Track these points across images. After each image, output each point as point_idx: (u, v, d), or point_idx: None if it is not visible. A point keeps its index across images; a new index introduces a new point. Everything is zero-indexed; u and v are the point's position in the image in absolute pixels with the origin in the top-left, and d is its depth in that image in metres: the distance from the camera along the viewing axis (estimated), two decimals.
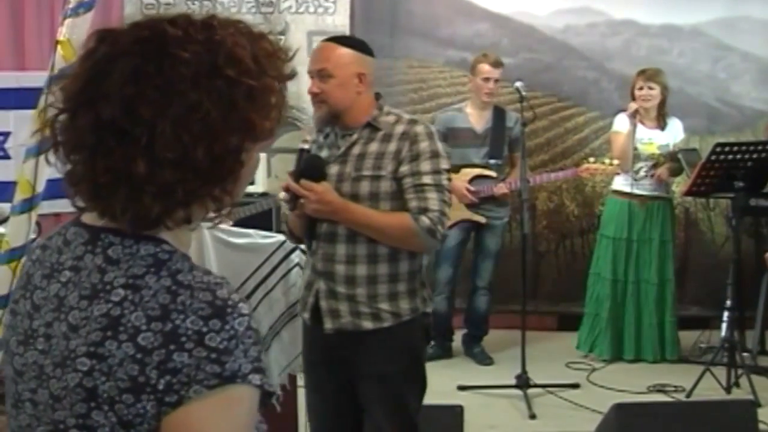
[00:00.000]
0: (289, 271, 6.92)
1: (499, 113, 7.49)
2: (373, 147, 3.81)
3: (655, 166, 7.40)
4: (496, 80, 7.39)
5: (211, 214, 1.69)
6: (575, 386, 6.83)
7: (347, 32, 8.52)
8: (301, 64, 8.33)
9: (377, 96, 3.93)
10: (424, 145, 3.77)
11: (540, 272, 8.53)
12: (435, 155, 3.78)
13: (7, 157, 8.40)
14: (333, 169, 3.82)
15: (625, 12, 8.52)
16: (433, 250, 3.92)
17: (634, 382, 6.83)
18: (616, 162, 7.29)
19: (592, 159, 7.48)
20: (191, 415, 1.49)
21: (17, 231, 4.65)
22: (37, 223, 5.25)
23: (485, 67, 7.42)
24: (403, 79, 8.46)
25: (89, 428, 1.53)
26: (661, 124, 7.46)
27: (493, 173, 7.42)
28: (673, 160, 7.43)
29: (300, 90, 8.46)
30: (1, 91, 8.30)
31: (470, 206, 7.44)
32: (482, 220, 7.48)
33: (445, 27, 8.62)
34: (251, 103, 1.62)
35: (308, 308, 3.97)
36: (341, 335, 3.84)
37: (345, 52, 3.81)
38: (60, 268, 1.66)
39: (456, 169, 7.44)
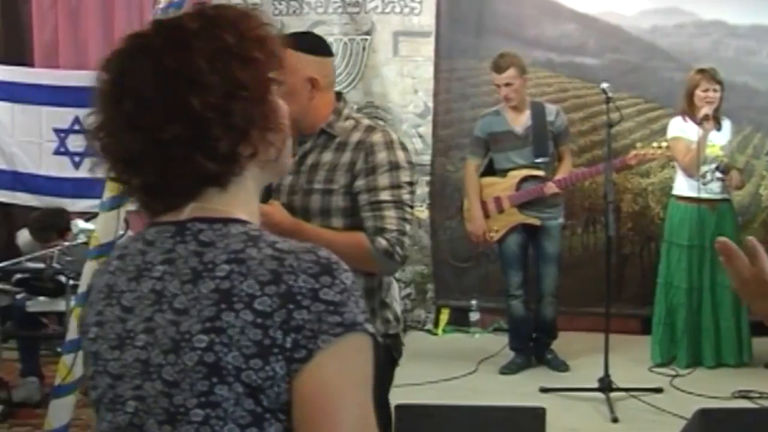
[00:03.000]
0: None
1: (537, 109, 7.35)
2: (327, 157, 3.50)
3: (718, 167, 7.22)
4: (508, 84, 7.22)
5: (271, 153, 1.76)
6: (658, 390, 6.75)
7: (433, 32, 8.55)
8: (386, 63, 8.41)
9: (338, 96, 3.64)
10: (381, 156, 3.43)
11: (624, 275, 8.47)
12: (394, 167, 3.44)
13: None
14: (287, 180, 3.53)
15: (714, 12, 8.41)
16: (393, 273, 3.58)
17: (718, 388, 6.75)
18: (665, 144, 7.16)
19: (639, 144, 7.31)
20: (323, 366, 1.54)
21: (106, 227, 4.75)
22: (126, 220, 5.35)
23: (491, 74, 7.38)
24: (489, 79, 8.42)
25: (212, 404, 1.56)
26: (717, 125, 7.28)
27: (541, 172, 7.29)
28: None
29: (385, 90, 8.57)
30: (91, 90, 8.47)
31: (521, 209, 7.33)
32: (537, 222, 7.33)
33: (531, 27, 8.61)
34: (253, 24, 1.75)
35: None
36: None
37: (295, 57, 3.30)
38: (149, 266, 1.70)
39: (502, 173, 7.39)
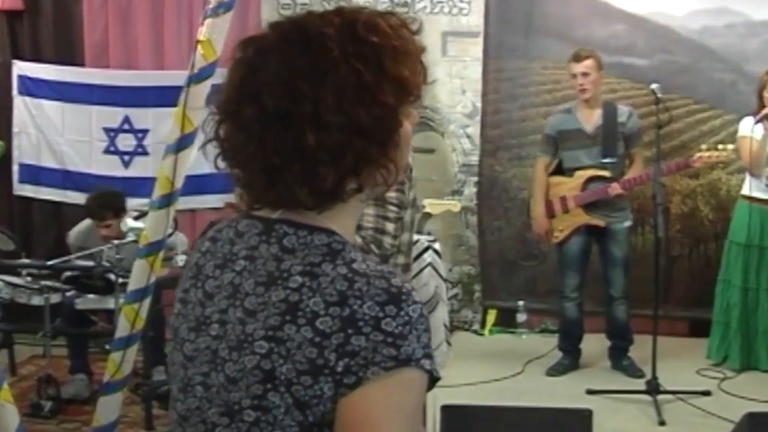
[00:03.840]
0: (422, 270, 6.95)
1: (609, 110, 7.29)
2: None
3: None
4: (585, 74, 7.18)
5: (379, 185, 1.71)
6: (706, 393, 6.71)
7: (481, 33, 8.53)
8: (435, 64, 8.38)
9: None
10: None
11: (672, 277, 8.40)
12: None
13: (146, 153, 8.64)
14: None
15: (764, 13, 8.32)
16: None
17: None
18: (730, 147, 7.12)
19: (704, 146, 7.26)
20: (368, 396, 1.54)
21: (156, 226, 4.76)
22: (174, 219, 5.37)
23: (569, 65, 7.30)
24: (538, 80, 8.43)
25: (264, 409, 1.59)
26: None
27: (607, 173, 7.19)
28: None
29: (434, 90, 8.56)
30: (140, 90, 8.52)
31: (587, 210, 7.27)
32: (601, 223, 7.26)
33: (580, 28, 8.56)
34: (398, 61, 1.68)
35: None
36: None
37: None
38: (234, 257, 1.73)
39: (570, 172, 7.34)
